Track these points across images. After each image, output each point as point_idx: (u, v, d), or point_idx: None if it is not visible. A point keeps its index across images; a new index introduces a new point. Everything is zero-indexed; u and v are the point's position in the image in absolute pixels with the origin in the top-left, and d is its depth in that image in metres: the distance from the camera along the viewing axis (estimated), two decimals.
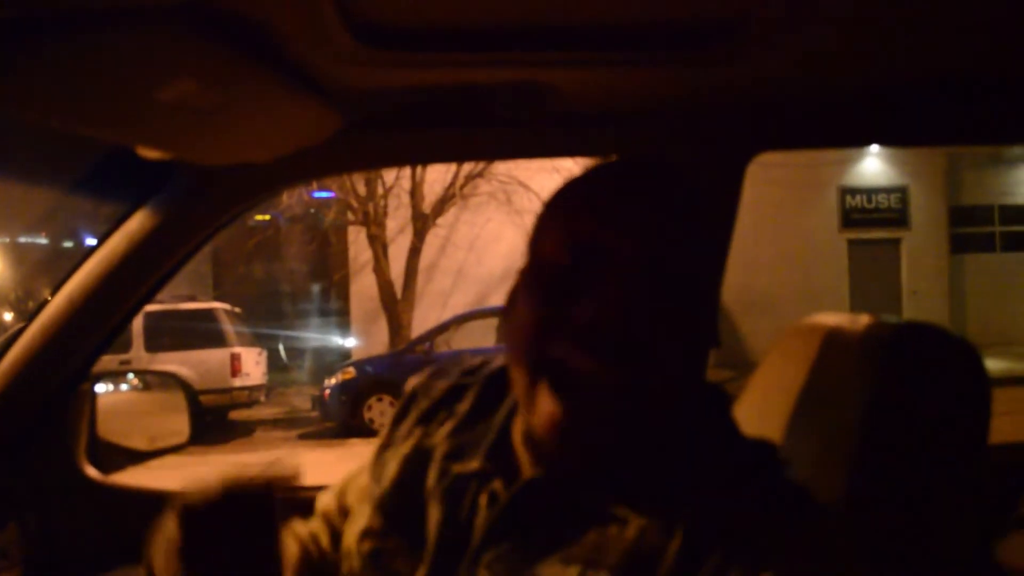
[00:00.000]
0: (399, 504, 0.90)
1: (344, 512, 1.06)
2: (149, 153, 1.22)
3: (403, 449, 0.94)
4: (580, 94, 1.31)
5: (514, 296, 0.84)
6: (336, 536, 1.05)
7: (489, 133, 1.47)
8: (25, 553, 1.48)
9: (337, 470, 1.09)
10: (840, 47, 1.17)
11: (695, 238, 0.79)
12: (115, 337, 1.60)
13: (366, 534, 0.91)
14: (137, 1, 0.76)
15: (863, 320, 1.14)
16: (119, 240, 1.46)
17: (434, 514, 0.85)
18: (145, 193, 1.46)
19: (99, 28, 0.81)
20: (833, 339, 1.16)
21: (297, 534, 1.10)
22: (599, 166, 0.86)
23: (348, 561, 0.92)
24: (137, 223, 1.45)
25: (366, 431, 11.08)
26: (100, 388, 1.71)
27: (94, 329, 1.51)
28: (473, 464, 0.86)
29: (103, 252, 1.47)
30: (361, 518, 0.93)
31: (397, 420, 1.00)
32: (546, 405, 0.76)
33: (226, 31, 0.92)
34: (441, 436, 0.92)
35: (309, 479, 1.08)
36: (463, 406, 0.95)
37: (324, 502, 1.12)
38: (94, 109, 1.03)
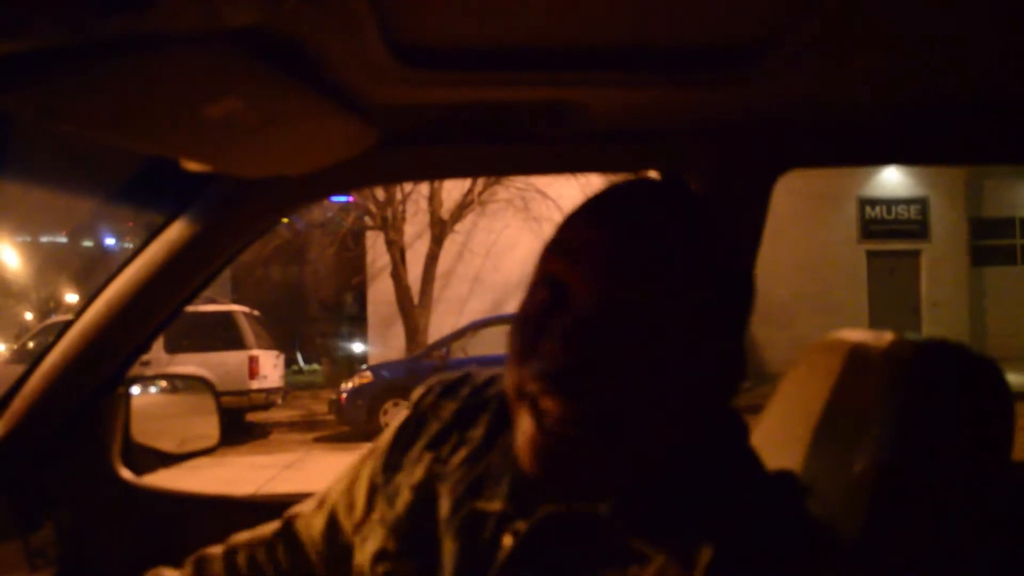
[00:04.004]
0: (413, 531, 0.89)
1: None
2: (191, 165, 1.26)
3: (416, 475, 0.93)
4: (609, 112, 1.34)
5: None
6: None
7: (519, 149, 1.49)
8: (60, 553, 1.51)
9: None
10: (868, 69, 1.19)
11: (671, 271, 0.75)
12: (151, 342, 1.64)
13: (381, 556, 0.90)
14: (193, 27, 0.80)
15: (886, 337, 1.15)
16: (158, 248, 1.49)
17: (449, 547, 0.84)
18: (183, 203, 1.49)
19: (155, 50, 0.84)
20: (856, 356, 1.17)
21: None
22: (591, 197, 0.84)
23: None
24: (175, 232, 1.49)
25: None
26: (132, 391, 1.75)
27: (132, 334, 1.55)
28: (495, 504, 0.84)
29: (142, 260, 1.50)
30: (375, 540, 0.92)
31: (406, 442, 0.98)
32: (524, 429, 0.76)
33: (273, 53, 0.95)
34: (454, 464, 0.91)
35: (325, 482, 1.12)
36: (476, 432, 0.93)
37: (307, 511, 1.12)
38: (145, 125, 1.06)
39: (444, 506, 0.87)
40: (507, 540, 0.81)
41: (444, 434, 0.95)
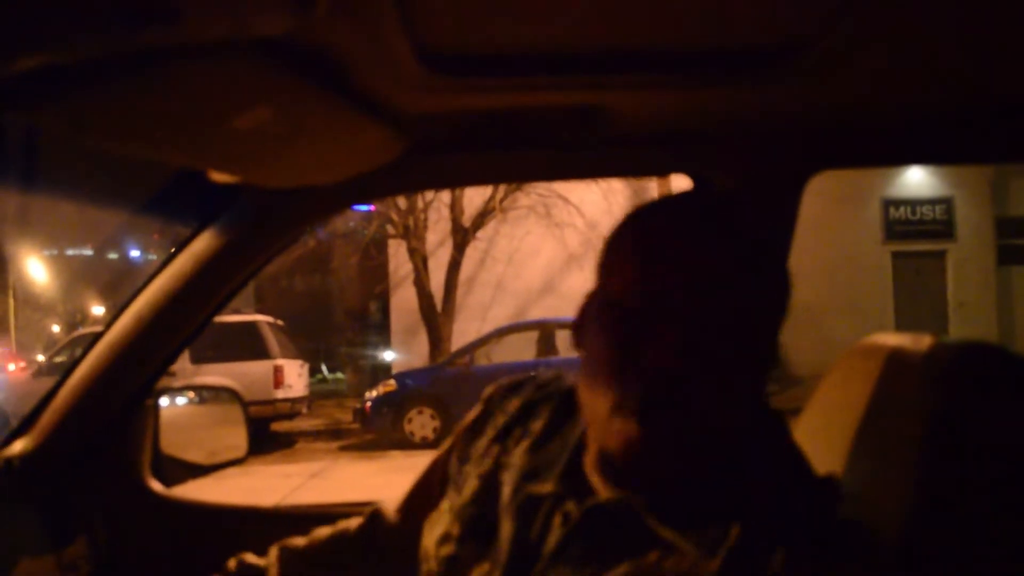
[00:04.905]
0: (476, 515, 0.96)
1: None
2: (220, 176, 1.26)
3: (484, 465, 1.00)
4: (639, 116, 1.33)
5: (584, 320, 0.88)
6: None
7: (548, 155, 1.48)
8: (93, 567, 1.51)
9: (378, 482, 1.13)
10: (899, 69, 1.17)
11: (764, 274, 0.84)
12: (180, 353, 1.65)
13: (445, 539, 0.97)
14: (222, 38, 0.79)
15: (925, 341, 1.13)
16: (186, 260, 1.49)
17: (507, 529, 0.91)
18: (211, 214, 1.49)
19: (184, 62, 0.84)
20: (894, 360, 1.16)
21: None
22: (667, 200, 0.90)
23: (426, 563, 0.99)
24: (204, 243, 1.49)
25: (407, 443, 11.14)
26: (161, 402, 1.75)
27: (161, 346, 1.55)
28: (547, 487, 0.91)
29: (170, 271, 1.50)
30: (441, 524, 0.99)
31: (474, 434, 1.05)
32: (623, 431, 0.80)
33: (302, 62, 0.95)
34: (517, 454, 0.97)
35: (351, 490, 1.12)
36: (537, 424, 0.99)
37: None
38: (174, 137, 1.06)
39: (506, 492, 0.94)
40: (557, 519, 0.87)
41: (509, 427, 1.02)
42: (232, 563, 1.22)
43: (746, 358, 0.81)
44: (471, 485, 0.99)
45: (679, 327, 0.78)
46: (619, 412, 0.80)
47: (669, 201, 0.90)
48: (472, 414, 1.08)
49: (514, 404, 1.04)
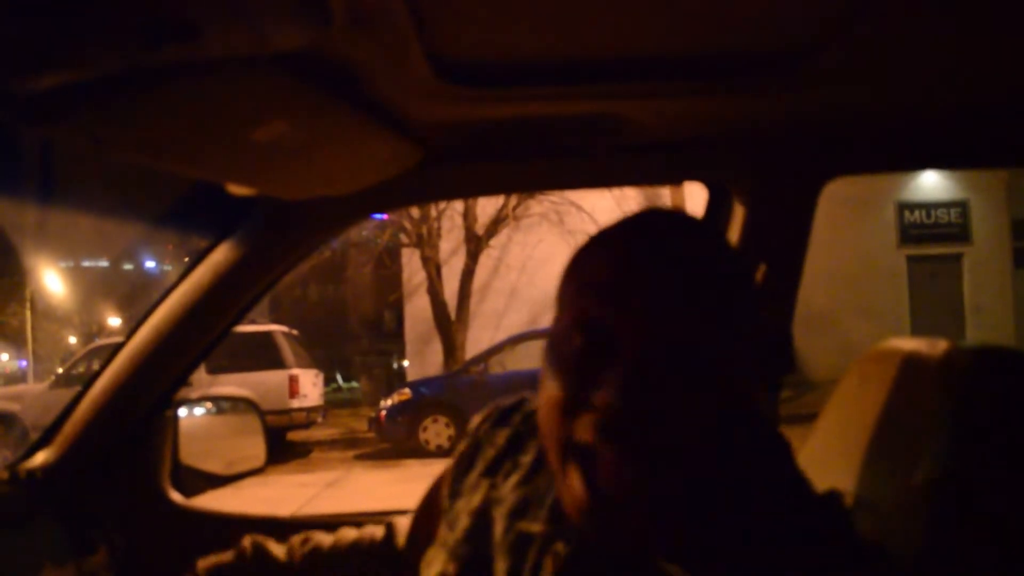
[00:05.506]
0: (470, 553, 0.91)
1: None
2: (237, 189, 1.27)
3: (473, 502, 0.95)
4: (654, 124, 1.33)
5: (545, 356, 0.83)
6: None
7: (563, 164, 1.49)
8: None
9: (394, 491, 1.11)
10: (914, 73, 1.17)
11: (720, 304, 0.74)
12: (199, 364, 1.66)
13: None
14: (241, 52, 0.80)
15: (941, 345, 1.13)
16: (204, 272, 1.51)
17: (501, 567, 0.87)
18: (228, 226, 1.50)
19: (203, 76, 0.84)
20: (910, 365, 1.15)
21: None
22: (608, 230, 0.83)
23: None
24: (221, 255, 1.50)
25: (422, 452, 11.15)
26: (180, 413, 1.76)
27: (180, 358, 1.56)
28: (536, 526, 0.86)
29: (188, 283, 1.51)
30: (437, 562, 0.95)
31: (464, 469, 1.01)
32: (573, 486, 0.74)
33: (319, 75, 0.96)
34: (507, 489, 0.93)
35: (367, 499, 1.12)
36: (526, 457, 0.95)
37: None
38: (193, 151, 1.07)
39: (499, 529, 0.90)
40: (547, 562, 0.82)
41: (498, 460, 0.97)
42: (247, 541, 1.22)
43: (711, 393, 0.73)
44: (463, 522, 0.94)
45: (627, 364, 0.71)
46: (567, 462, 0.74)
47: (607, 233, 0.83)
48: (461, 447, 1.05)
49: (502, 436, 1.00)
